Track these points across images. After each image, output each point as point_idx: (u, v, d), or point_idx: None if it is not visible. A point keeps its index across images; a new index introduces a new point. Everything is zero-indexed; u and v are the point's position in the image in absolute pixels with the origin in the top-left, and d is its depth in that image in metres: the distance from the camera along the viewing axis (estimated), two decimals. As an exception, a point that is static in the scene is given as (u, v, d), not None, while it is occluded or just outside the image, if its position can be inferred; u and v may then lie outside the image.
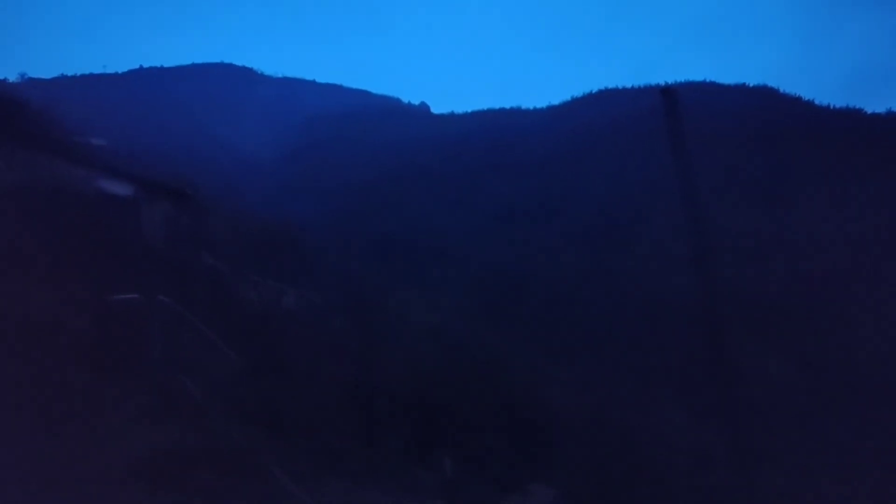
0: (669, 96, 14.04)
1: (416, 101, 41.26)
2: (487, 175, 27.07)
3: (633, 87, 31.72)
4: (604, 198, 23.30)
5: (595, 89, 32.82)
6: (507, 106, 36.25)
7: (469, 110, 36.03)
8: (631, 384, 15.85)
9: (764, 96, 28.31)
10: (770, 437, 14.21)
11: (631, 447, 13.31)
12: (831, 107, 26.56)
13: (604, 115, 28.63)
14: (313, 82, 41.53)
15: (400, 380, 13.14)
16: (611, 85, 34.72)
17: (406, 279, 19.77)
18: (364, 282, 18.19)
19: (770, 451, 13.91)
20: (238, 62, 43.94)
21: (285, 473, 8.77)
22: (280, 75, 41.73)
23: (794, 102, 27.50)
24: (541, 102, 37.20)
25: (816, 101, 27.44)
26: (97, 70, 38.37)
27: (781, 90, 28.75)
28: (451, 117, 35.69)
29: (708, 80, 30.71)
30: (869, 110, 25.74)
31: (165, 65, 38.92)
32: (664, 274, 18.83)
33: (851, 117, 25.12)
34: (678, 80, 29.33)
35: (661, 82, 26.01)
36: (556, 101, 35.04)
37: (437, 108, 40.75)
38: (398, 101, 40.93)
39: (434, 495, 10.38)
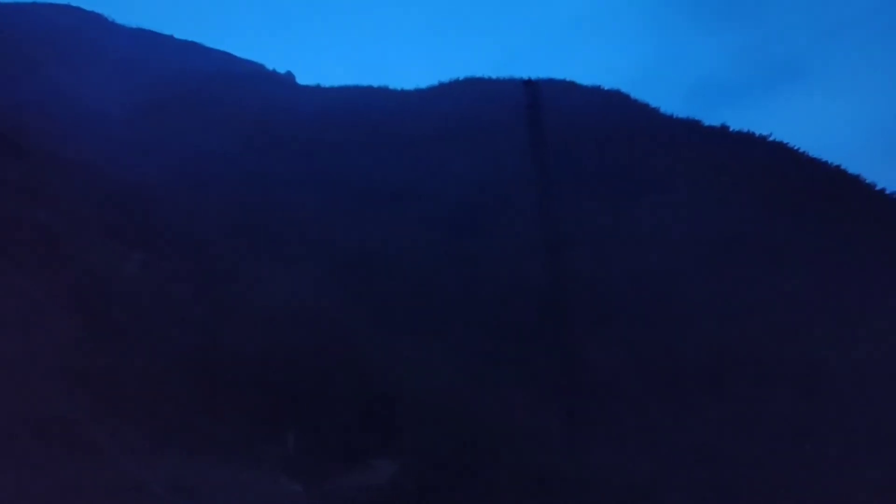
0: (531, 89, 14.55)
1: (281, 70, 40.01)
2: (352, 152, 26.83)
3: (498, 79, 32.49)
4: (465, 184, 23.81)
5: (462, 76, 33.33)
6: (375, 84, 35.97)
7: (336, 85, 35.46)
8: (478, 366, 16.37)
9: (617, 100, 29.95)
10: (602, 420, 15.20)
11: (473, 426, 13.75)
12: (674, 116, 28.63)
13: (469, 102, 29.19)
14: (171, 38, 39.16)
15: (247, 354, 12.83)
16: (477, 74, 35.27)
17: (261, 253, 19.24)
18: (215, 253, 17.54)
19: (601, 432, 14.88)
20: (87, 6, 40.57)
21: (117, 446, 8.35)
22: (134, 25, 39.01)
23: (643, 108, 29.31)
24: (408, 84, 37.22)
25: (662, 110, 29.47)
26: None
27: (632, 96, 30.61)
28: (317, 90, 34.95)
29: (567, 80, 32.04)
30: (706, 122, 28.03)
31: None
32: (517, 261, 19.57)
33: (691, 127, 27.17)
34: (541, 77, 30.36)
35: (525, 76, 26.85)
36: (423, 85, 35.14)
37: (302, 80, 39.72)
38: (262, 67, 39.51)
39: (276, 469, 10.27)
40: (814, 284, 18.18)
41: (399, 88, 34.18)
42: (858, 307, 17.38)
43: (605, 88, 31.47)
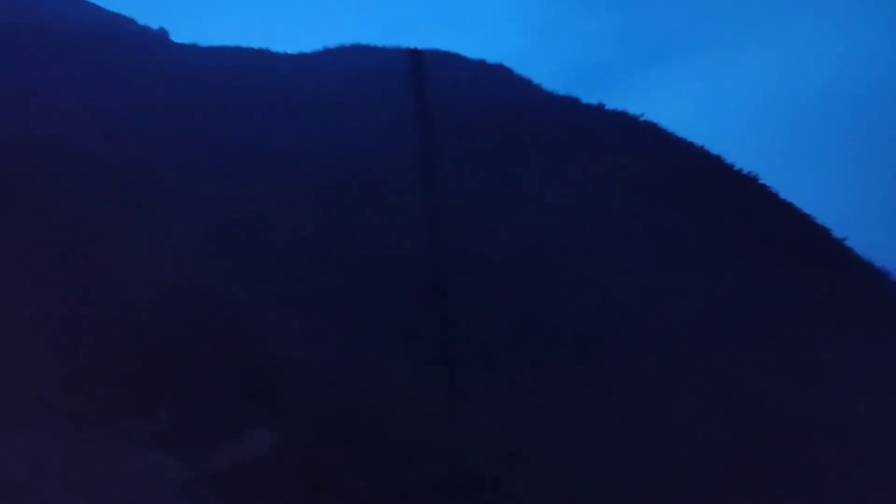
0: (416, 58, 14.49)
1: (154, 26, 37.74)
2: (230, 117, 25.81)
3: (385, 47, 32.12)
4: (349, 153, 23.50)
5: (347, 43, 32.68)
6: (256, 46, 34.62)
7: (213, 45, 33.83)
8: (360, 336, 16.36)
9: (501, 74, 30.38)
10: (482, 387, 15.62)
11: (353, 396, 13.78)
12: (555, 93, 29.40)
13: (354, 69, 28.72)
14: (27, -16, 36.00)
15: (115, 324, 12.20)
16: (363, 41, 34.68)
17: (129, 218, 18.25)
18: (78, 217, 16.48)
19: (481, 399, 15.30)
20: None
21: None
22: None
23: (526, 84, 29.91)
24: (290, 48, 36.02)
25: (544, 86, 30.18)
26: None
27: (516, 71, 31.13)
28: (193, 49, 33.26)
29: (452, 52, 32.14)
30: (584, 101, 28.97)
31: None
32: (401, 231, 19.61)
33: (571, 105, 28.02)
34: (427, 47, 30.26)
35: (411, 46, 26.67)
36: (307, 50, 34.18)
37: (177, 37, 37.62)
38: (132, 21, 37.11)
39: (147, 445, 9.90)
40: (677, 257, 19.37)
41: (281, 52, 33.13)
42: (716, 277, 18.70)
43: (490, 63, 31.82)
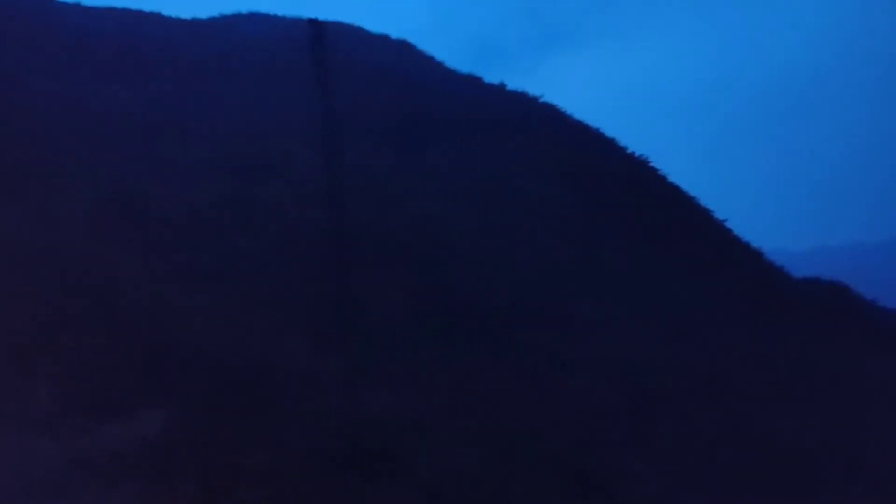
0: (316, 28, 14.22)
1: (32, -18, 35.12)
2: (118, 81, 24.51)
3: (284, 16, 31.29)
4: (246, 123, 22.83)
5: (244, 10, 31.62)
6: (146, 9, 32.92)
7: (100, 4, 31.95)
8: (256, 312, 16.06)
9: (404, 50, 30.23)
10: (379, 361, 15.69)
11: (248, 372, 13.56)
12: (458, 71, 29.59)
13: (252, 38, 27.83)
14: None
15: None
16: (261, 9, 33.64)
17: (8, 190, 17.12)
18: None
19: (378, 374, 15.37)
20: None
21: None
22: None
23: (429, 61, 29.91)
24: (184, 13, 34.45)
25: (447, 64, 30.29)
26: None
27: (418, 48, 31.06)
28: (77, 8, 31.30)
29: (355, 25, 31.68)
30: (487, 80, 29.31)
31: None
32: (298, 205, 19.29)
33: (472, 83, 28.27)
34: (328, 19, 29.69)
35: (311, 16, 26.05)
36: (201, 15, 32.84)
37: (59, -6, 35.21)
38: (10, -23, 34.45)
39: (24, 428, 9.42)
40: (571, 235, 20.01)
41: (175, 16, 31.69)
42: (609, 258, 19.46)
43: (393, 38, 31.60)
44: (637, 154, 27.07)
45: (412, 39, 32.84)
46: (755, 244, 27.58)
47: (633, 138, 28.78)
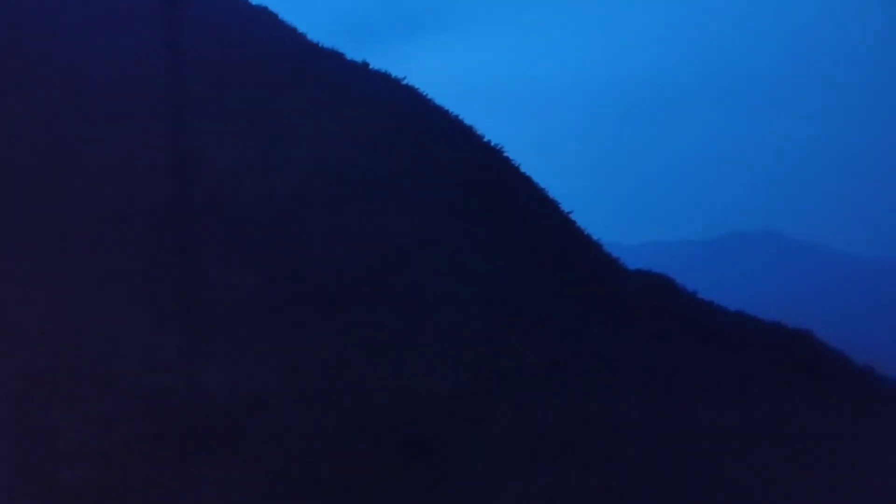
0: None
1: None
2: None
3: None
4: (82, 79, 21.20)
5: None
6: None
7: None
8: (90, 283, 15.11)
9: (262, 17, 29.21)
10: (224, 339, 15.26)
11: (82, 347, 12.78)
12: (320, 45, 29.00)
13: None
14: None
15: None
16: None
17: None
18: None
19: (222, 351, 14.95)
20: None
21: None
22: None
23: (290, 32, 29.09)
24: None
25: (308, 37, 29.59)
26: None
27: (280, 17, 30.10)
28: None
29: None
30: (349, 57, 28.94)
31: None
32: (139, 170, 18.24)
33: (334, 59, 27.84)
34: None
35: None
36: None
37: None
38: None
39: None
40: (423, 220, 20.34)
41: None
42: (458, 242, 19.98)
43: (253, 3, 30.44)
44: (493, 143, 27.88)
45: (273, 7, 31.79)
46: (595, 237, 29.38)
47: (490, 127, 29.64)
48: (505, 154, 27.90)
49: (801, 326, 25.17)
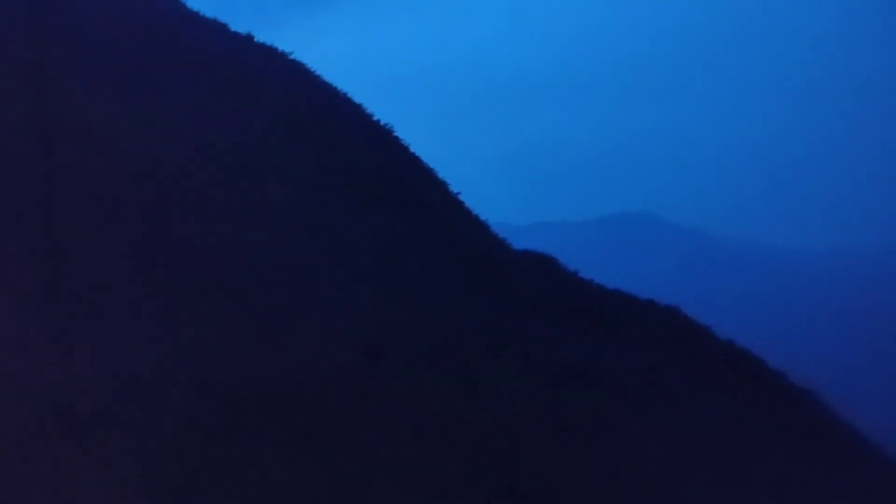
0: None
1: None
2: None
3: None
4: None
5: None
6: None
7: None
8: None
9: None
10: (98, 320, 14.54)
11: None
12: (201, 14, 27.70)
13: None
14: None
15: None
16: None
17: None
18: None
19: (97, 333, 14.25)
20: None
21: None
22: None
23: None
24: None
25: (189, 4, 28.22)
26: None
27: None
28: None
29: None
30: (233, 28, 27.87)
31: None
32: (9, 155, 16.95)
33: (217, 29, 26.74)
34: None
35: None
36: None
37: None
38: None
39: None
40: (309, 197, 20.03)
41: None
42: (345, 221, 19.83)
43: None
44: (382, 122, 27.71)
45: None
46: (483, 217, 29.89)
47: (380, 107, 29.37)
48: (394, 134, 27.82)
49: (672, 304, 26.73)
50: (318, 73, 28.09)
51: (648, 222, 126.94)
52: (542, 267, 25.32)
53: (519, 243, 31.41)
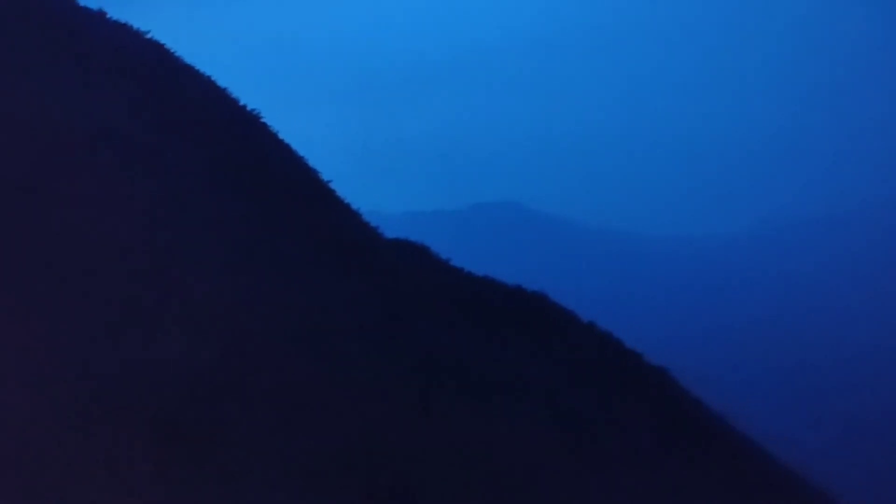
0: None
1: None
2: None
3: None
4: None
5: None
6: None
7: None
8: None
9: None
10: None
11: None
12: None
13: None
14: None
15: None
16: None
17: None
18: None
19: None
20: None
21: None
22: None
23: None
24: None
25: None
26: None
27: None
28: None
29: None
30: (80, 2, 25.99)
31: None
32: None
33: (65, 4, 24.90)
34: None
35: None
36: None
37: None
38: None
39: None
40: (170, 184, 19.10)
41: None
42: (208, 209, 19.08)
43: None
44: (249, 108, 26.80)
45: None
46: (354, 206, 29.69)
47: (246, 92, 28.38)
48: (262, 120, 27.01)
49: (538, 291, 27.74)
50: (179, 54, 26.78)
51: (517, 212, 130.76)
52: (413, 255, 25.52)
53: (391, 232, 31.49)
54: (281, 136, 27.34)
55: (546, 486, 16.39)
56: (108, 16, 25.80)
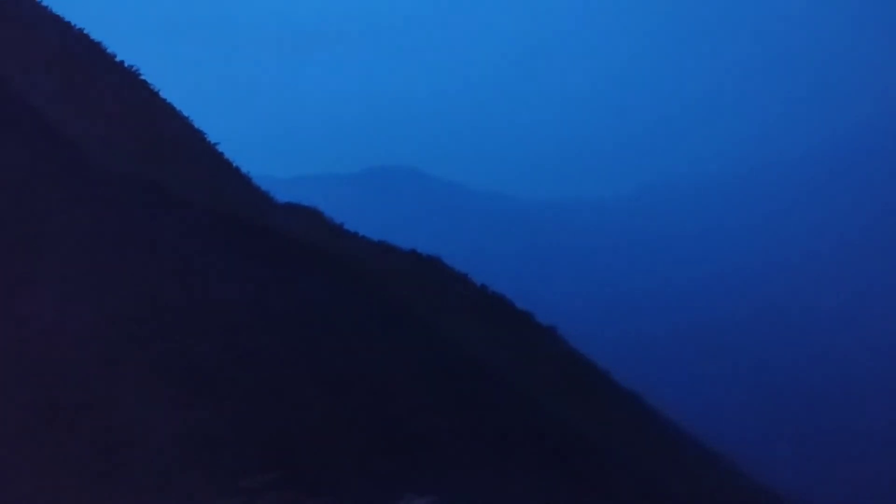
0: None
1: None
2: None
3: None
4: None
5: None
6: None
7: None
8: None
9: None
10: None
11: None
12: None
13: None
14: None
15: None
16: None
17: None
18: None
19: None
20: None
21: None
22: None
23: None
24: None
25: None
26: None
27: None
28: None
29: None
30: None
31: None
32: None
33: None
34: None
35: None
36: None
37: None
38: None
39: None
40: (43, 149, 17.92)
41: None
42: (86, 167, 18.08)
43: None
44: (127, 64, 25.40)
45: None
46: (245, 170, 28.88)
47: (124, 47, 26.83)
48: (142, 77, 25.67)
49: (433, 254, 28.12)
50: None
51: (412, 176, 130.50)
52: (306, 219, 25.19)
53: (283, 196, 30.87)
54: (163, 94, 26.12)
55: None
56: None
